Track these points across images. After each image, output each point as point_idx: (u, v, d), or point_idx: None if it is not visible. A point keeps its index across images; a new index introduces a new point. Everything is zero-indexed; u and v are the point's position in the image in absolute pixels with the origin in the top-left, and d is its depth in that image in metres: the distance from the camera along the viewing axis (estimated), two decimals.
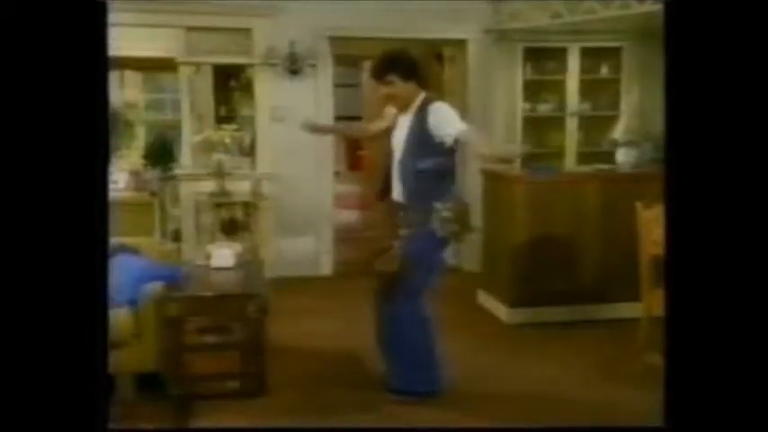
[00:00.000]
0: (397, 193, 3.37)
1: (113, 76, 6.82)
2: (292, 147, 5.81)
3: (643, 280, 3.67)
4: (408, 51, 3.39)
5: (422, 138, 3.22)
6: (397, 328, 3.33)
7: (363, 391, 3.48)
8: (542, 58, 6.20)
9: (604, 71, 6.27)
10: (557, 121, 6.27)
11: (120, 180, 5.87)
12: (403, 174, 3.31)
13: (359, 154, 9.19)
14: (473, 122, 5.95)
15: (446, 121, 3.19)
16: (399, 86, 3.28)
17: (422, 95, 3.30)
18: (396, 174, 3.36)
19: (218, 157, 5.67)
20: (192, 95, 5.96)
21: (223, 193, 5.63)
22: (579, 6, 5.42)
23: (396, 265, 3.26)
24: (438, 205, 3.20)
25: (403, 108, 3.34)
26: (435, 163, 3.23)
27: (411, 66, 3.31)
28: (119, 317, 3.20)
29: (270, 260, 5.18)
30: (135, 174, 6.01)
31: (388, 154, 3.43)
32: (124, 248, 3.58)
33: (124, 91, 7.22)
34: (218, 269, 3.85)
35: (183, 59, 5.77)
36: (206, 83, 6.17)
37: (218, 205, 5.68)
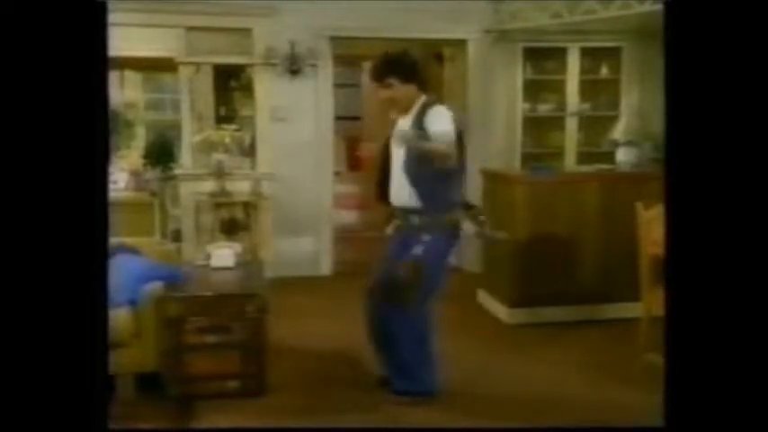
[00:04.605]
0: (403, 197, 3.28)
1: (113, 76, 6.82)
2: (292, 147, 5.82)
3: (643, 280, 3.67)
4: (408, 53, 3.36)
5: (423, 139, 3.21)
6: (400, 329, 3.30)
7: (363, 391, 3.48)
8: (542, 58, 6.20)
9: (604, 71, 6.27)
10: (557, 121, 6.27)
11: (120, 180, 5.87)
12: (412, 178, 3.23)
13: (359, 154, 9.19)
14: (473, 122, 6.01)
15: (435, 121, 3.17)
16: (399, 89, 3.26)
17: (422, 98, 3.29)
18: (399, 178, 3.28)
19: (218, 157, 5.67)
20: (191, 95, 5.95)
21: (223, 193, 5.63)
22: (579, 6, 5.42)
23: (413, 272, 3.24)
24: (455, 205, 3.25)
25: (403, 111, 3.32)
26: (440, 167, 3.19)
27: (411, 68, 3.29)
28: (119, 317, 3.19)
29: (270, 260, 5.18)
30: (135, 174, 6.01)
31: (385, 157, 3.41)
32: (124, 248, 3.58)
33: (124, 91, 7.22)
34: (218, 269, 3.85)
35: (183, 59, 5.76)
36: (206, 83, 6.16)
37: (218, 205, 5.68)
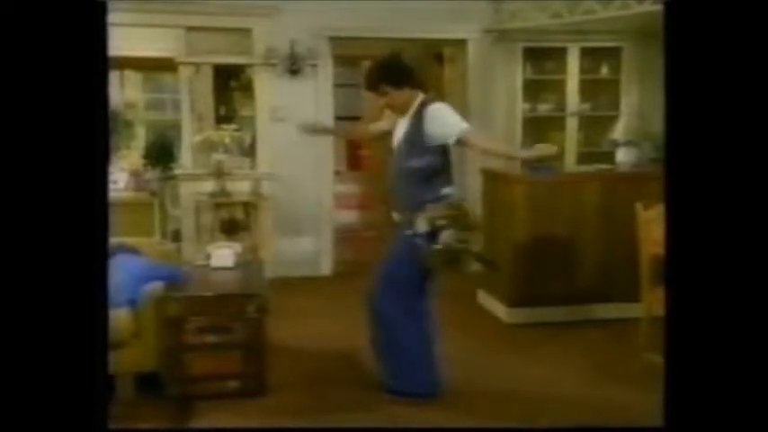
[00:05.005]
0: (392, 192, 3.40)
1: (113, 76, 6.82)
2: (292, 147, 5.81)
3: (643, 280, 3.67)
4: (398, 57, 3.37)
5: (417, 139, 3.23)
6: (392, 329, 3.32)
7: (363, 391, 3.48)
8: (542, 57, 6.20)
9: (604, 71, 6.27)
10: (557, 121, 6.27)
11: (120, 180, 5.88)
12: (396, 174, 3.34)
13: (359, 154, 9.19)
14: (473, 122, 6.00)
15: (446, 121, 3.19)
16: (393, 94, 3.29)
17: (419, 97, 3.30)
18: (391, 174, 3.38)
19: (218, 157, 5.67)
20: (191, 95, 5.96)
21: (223, 193, 5.63)
22: (579, 6, 5.43)
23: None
24: (429, 206, 3.19)
25: (403, 112, 3.34)
26: (427, 164, 3.23)
27: (401, 72, 3.30)
28: (119, 317, 3.19)
29: (270, 260, 5.19)
30: (135, 174, 6.01)
31: (391, 156, 3.45)
32: (124, 248, 3.58)
33: (124, 91, 7.22)
34: (218, 269, 3.86)
35: (183, 59, 5.77)
36: (206, 83, 6.17)
37: (218, 205, 5.68)
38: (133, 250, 3.68)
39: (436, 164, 3.26)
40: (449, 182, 3.33)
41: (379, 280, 3.37)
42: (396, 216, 3.39)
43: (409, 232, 3.22)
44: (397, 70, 3.31)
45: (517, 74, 6.09)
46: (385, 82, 3.28)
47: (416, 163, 3.24)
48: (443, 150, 3.26)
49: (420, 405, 3.28)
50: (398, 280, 3.29)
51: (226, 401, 3.33)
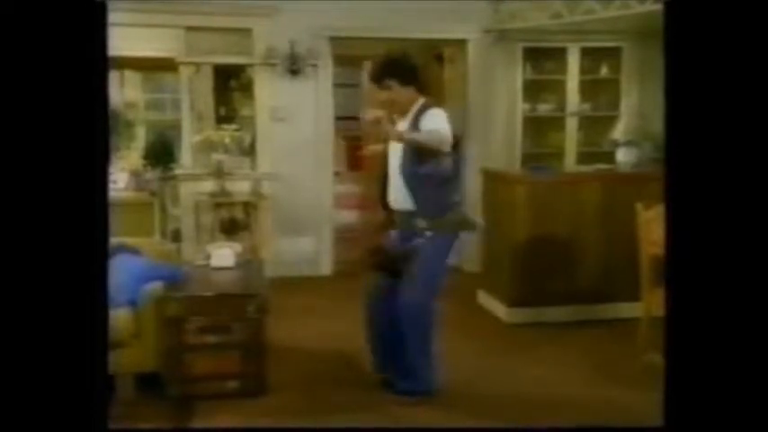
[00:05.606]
0: (400, 200, 3.29)
1: (113, 76, 6.82)
2: (292, 147, 5.82)
3: (643, 280, 3.67)
4: (408, 56, 3.35)
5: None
6: (407, 329, 3.29)
7: (363, 391, 3.48)
8: (542, 58, 6.20)
9: (604, 71, 6.27)
10: (556, 122, 6.27)
11: (120, 180, 5.88)
12: (408, 181, 3.23)
13: (359, 154, 9.19)
14: (473, 122, 6.02)
15: (429, 121, 3.16)
16: (398, 91, 3.25)
17: (420, 101, 3.28)
18: (396, 180, 3.29)
19: (218, 157, 5.68)
20: (191, 95, 5.96)
21: (223, 192, 5.64)
22: (579, 6, 5.42)
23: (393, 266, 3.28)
24: (453, 208, 3.25)
25: (401, 113, 3.30)
26: (437, 167, 3.19)
27: (410, 71, 3.28)
28: (119, 317, 3.20)
29: (270, 260, 5.18)
30: (135, 174, 6.01)
31: (384, 159, 3.41)
32: (124, 248, 3.58)
33: (124, 91, 7.22)
34: (218, 269, 3.86)
35: (183, 59, 5.77)
36: (206, 83, 6.17)
37: (218, 205, 5.68)
38: (133, 250, 3.68)
39: (446, 168, 3.23)
40: (459, 185, 3.38)
41: (382, 280, 3.36)
42: (413, 223, 3.28)
43: (435, 235, 3.24)
44: (407, 68, 3.27)
45: (517, 74, 6.09)
46: (392, 77, 3.24)
47: (428, 169, 3.17)
48: (448, 154, 3.22)
49: (420, 405, 3.28)
50: (427, 283, 3.27)
51: (226, 401, 3.33)
